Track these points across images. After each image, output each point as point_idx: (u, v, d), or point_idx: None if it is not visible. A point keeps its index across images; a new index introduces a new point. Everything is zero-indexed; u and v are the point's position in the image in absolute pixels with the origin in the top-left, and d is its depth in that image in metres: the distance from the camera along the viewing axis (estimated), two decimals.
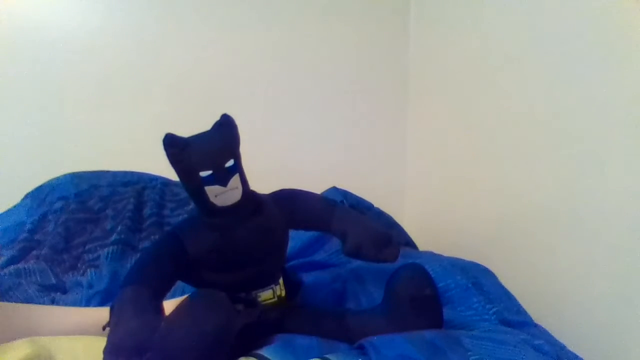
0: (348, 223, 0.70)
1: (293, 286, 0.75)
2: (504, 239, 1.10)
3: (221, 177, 0.60)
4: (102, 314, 0.55)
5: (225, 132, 0.64)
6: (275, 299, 0.68)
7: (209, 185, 0.60)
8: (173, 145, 0.60)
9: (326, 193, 1.15)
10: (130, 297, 0.56)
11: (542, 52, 0.96)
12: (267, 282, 0.67)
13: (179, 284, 0.71)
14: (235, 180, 0.61)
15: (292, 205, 0.71)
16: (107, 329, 0.54)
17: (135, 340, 0.51)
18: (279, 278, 0.69)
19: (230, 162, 0.61)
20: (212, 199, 0.61)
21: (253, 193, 0.67)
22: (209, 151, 0.61)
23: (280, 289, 0.69)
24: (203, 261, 0.63)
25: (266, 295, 0.67)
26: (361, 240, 0.67)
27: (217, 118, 0.65)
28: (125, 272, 0.65)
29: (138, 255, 0.91)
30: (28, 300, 0.85)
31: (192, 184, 0.61)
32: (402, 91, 1.59)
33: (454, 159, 1.33)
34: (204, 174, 0.60)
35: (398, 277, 0.67)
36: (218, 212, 0.62)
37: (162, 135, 0.61)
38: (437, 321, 0.65)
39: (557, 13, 0.92)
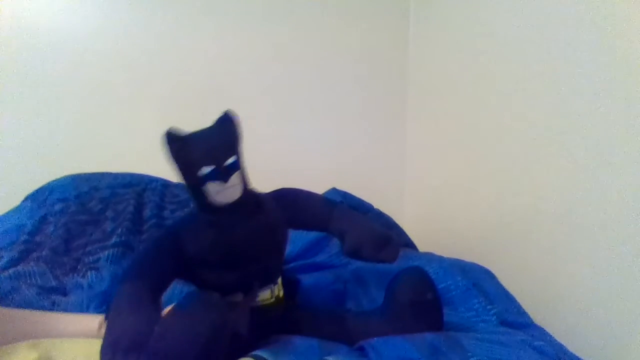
0: (347, 223, 0.69)
1: (291, 286, 0.74)
2: (504, 240, 1.10)
3: (222, 173, 0.60)
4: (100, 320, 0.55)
5: (226, 128, 0.63)
6: (273, 299, 0.67)
7: (209, 181, 0.59)
8: (174, 140, 0.60)
9: (326, 194, 1.15)
10: (127, 293, 0.56)
11: (542, 53, 0.96)
12: (265, 281, 0.67)
13: (177, 286, 0.70)
14: (236, 177, 0.61)
15: (293, 204, 0.71)
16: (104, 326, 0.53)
17: (132, 336, 0.51)
18: (277, 278, 0.69)
19: (232, 159, 0.61)
20: (213, 195, 0.60)
21: (253, 191, 0.66)
22: (210, 147, 0.61)
23: (278, 289, 0.69)
24: (201, 259, 0.62)
25: (264, 296, 0.66)
26: (360, 241, 0.67)
27: None
28: None
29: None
30: (27, 303, 0.84)
31: (192, 181, 0.61)
32: (402, 92, 1.59)
33: (454, 160, 1.33)
34: (204, 170, 0.59)
35: (399, 281, 0.67)
36: (218, 209, 0.62)
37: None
38: (437, 325, 0.65)
39: (558, 14, 0.92)
